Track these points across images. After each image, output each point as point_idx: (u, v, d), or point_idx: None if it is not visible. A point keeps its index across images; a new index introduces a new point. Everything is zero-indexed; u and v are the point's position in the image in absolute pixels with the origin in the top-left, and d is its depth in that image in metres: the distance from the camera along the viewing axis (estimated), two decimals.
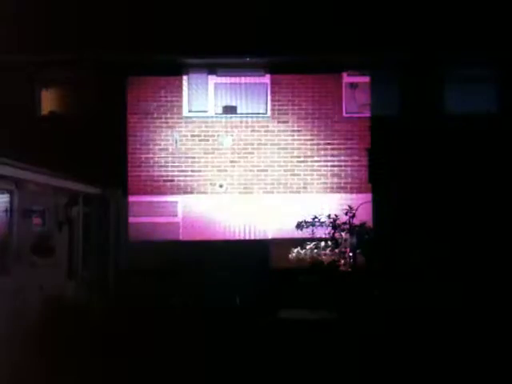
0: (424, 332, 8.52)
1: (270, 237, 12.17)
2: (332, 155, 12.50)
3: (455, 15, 11.73)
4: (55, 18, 11.58)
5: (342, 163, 12.48)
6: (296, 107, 12.62)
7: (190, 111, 12.59)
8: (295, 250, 11.18)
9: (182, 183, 12.42)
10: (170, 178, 12.43)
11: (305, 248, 11.16)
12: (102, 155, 11.91)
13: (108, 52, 11.85)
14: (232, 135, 12.54)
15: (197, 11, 11.88)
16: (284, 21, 11.76)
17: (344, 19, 11.95)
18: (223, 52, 12.02)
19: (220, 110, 12.62)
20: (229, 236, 12.16)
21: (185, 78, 12.67)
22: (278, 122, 12.60)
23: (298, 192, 12.45)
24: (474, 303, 9.07)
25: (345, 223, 11.27)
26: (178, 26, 11.87)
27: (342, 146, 12.51)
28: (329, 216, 11.33)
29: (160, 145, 12.50)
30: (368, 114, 12.52)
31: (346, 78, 12.72)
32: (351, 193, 12.35)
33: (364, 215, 11.75)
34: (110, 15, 11.61)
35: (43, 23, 11.53)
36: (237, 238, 12.12)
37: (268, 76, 12.67)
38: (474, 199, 11.27)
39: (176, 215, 12.33)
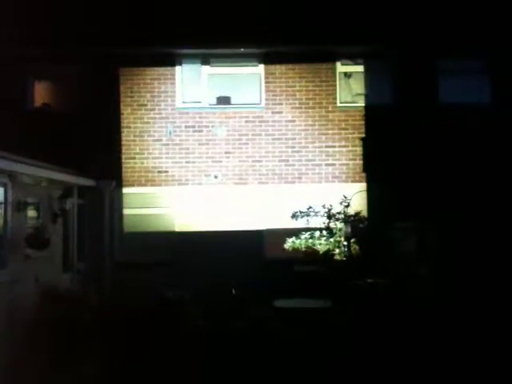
0: (418, 320, 8.57)
1: (264, 227, 12.18)
2: (326, 145, 12.50)
3: (450, 6, 11.74)
4: (48, 12, 11.53)
5: (337, 153, 12.48)
6: (290, 97, 12.60)
7: (183, 102, 12.56)
8: (290, 240, 11.18)
9: (177, 174, 12.41)
10: (164, 170, 12.42)
11: (300, 238, 11.16)
12: (96, 147, 11.91)
13: (101, 44, 11.81)
14: (226, 126, 12.52)
15: (191, 2, 11.85)
16: (278, 11, 11.74)
17: (338, 9, 11.94)
18: (217, 42, 12.00)
19: (214, 101, 12.59)
20: (224, 227, 12.16)
21: (178, 68, 12.63)
22: (273, 113, 12.58)
23: (293, 182, 12.46)
24: (468, 293, 9.12)
25: (339, 213, 11.27)
26: (172, 16, 11.84)
27: (336, 136, 12.51)
28: (323, 205, 11.34)
29: (154, 136, 12.47)
30: (362, 104, 12.53)
31: (340, 68, 12.69)
32: (346, 182, 12.36)
33: (358, 204, 11.79)
34: (103, 8, 11.57)
35: (36, 17, 11.49)
36: (232, 228, 12.12)
37: (262, 66, 12.64)
38: (468, 188, 11.30)
39: (170, 206, 12.34)
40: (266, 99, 12.59)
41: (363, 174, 12.31)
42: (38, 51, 11.80)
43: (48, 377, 6.99)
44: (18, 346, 7.60)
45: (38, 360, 7.22)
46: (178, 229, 12.23)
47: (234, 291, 10.32)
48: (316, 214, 11.35)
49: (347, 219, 11.16)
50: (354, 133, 12.47)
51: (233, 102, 12.60)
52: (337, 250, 11.01)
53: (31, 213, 8.96)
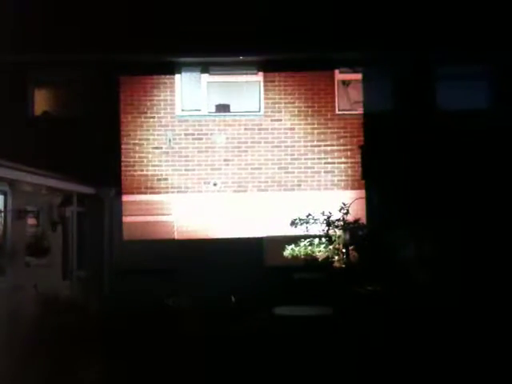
0: (418, 328, 8.57)
1: (264, 234, 12.20)
2: (325, 152, 12.54)
3: (449, 12, 11.79)
4: (50, 19, 11.58)
5: (336, 160, 12.52)
6: (289, 105, 12.65)
7: (183, 110, 12.61)
8: (289, 247, 11.19)
9: (176, 182, 12.44)
10: (163, 177, 12.45)
11: (299, 245, 11.16)
12: (96, 155, 11.93)
13: (101, 52, 11.87)
14: (225, 133, 12.56)
15: (190, 10, 11.91)
16: (277, 19, 11.79)
17: (337, 17, 12.00)
18: (216, 50, 12.05)
19: (213, 109, 12.64)
20: (223, 234, 12.18)
21: (178, 76, 12.68)
22: (272, 120, 12.63)
23: (292, 189, 12.49)
24: (467, 300, 9.13)
25: (338, 220, 11.28)
26: (171, 24, 11.90)
27: (335, 144, 12.56)
28: (323, 213, 11.34)
29: (153, 144, 12.52)
30: (361, 111, 12.57)
31: (339, 76, 12.75)
32: (345, 189, 12.40)
33: (357, 212, 11.80)
34: (104, 15, 11.62)
35: (37, 24, 11.53)
36: (231, 236, 12.14)
37: (261, 74, 12.70)
38: (467, 195, 11.31)
39: (170, 214, 12.36)
40: (265, 107, 12.63)
41: (362, 181, 12.34)
42: (37, 58, 11.85)
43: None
44: (18, 353, 7.59)
45: (38, 367, 7.22)
46: (177, 236, 12.24)
47: (233, 298, 10.32)
48: (315, 221, 11.36)
49: (346, 226, 11.17)
50: (352, 140, 12.52)
51: (232, 109, 12.65)
52: (336, 258, 11.02)
53: (31, 221, 8.98)
